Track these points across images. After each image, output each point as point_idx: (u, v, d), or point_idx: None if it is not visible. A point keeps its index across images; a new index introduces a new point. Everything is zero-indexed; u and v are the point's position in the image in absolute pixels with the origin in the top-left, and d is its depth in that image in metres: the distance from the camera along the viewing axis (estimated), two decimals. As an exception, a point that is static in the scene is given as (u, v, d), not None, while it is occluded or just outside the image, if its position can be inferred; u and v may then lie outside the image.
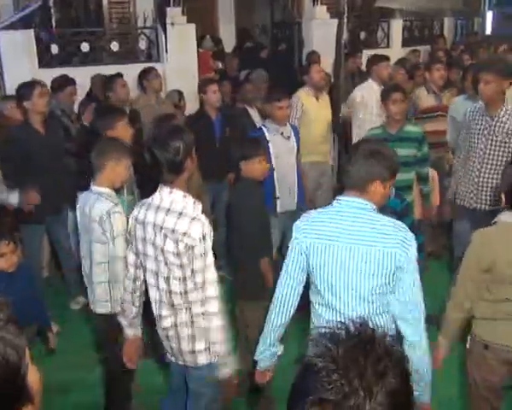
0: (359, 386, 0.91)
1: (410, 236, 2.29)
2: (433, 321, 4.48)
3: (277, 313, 2.51)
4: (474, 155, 4.14)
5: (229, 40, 9.85)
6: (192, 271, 2.51)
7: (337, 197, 2.38)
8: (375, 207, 2.33)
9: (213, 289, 2.56)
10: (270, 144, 4.43)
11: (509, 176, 2.65)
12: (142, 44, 7.73)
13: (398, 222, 2.34)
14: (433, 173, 4.93)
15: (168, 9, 7.30)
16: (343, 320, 1.02)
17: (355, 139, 5.60)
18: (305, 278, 2.45)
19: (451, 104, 5.30)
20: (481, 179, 4.09)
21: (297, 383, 1.00)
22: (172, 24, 7.23)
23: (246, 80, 6.26)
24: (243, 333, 3.61)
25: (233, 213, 3.63)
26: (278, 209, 4.57)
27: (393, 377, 0.94)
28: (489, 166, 4.04)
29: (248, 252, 3.48)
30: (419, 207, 4.58)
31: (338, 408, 0.91)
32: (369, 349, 0.96)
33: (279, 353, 2.63)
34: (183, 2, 7.67)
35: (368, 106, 5.57)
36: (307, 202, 4.80)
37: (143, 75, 5.87)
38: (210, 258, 2.54)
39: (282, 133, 4.55)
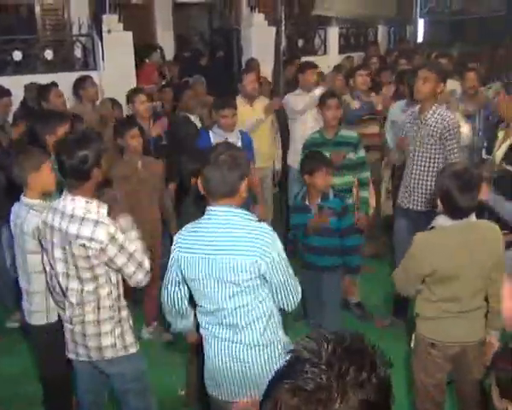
0: (335, 385, 0.94)
1: (270, 241, 2.28)
2: (370, 318, 4.63)
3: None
4: (409, 157, 4.27)
5: (167, 47, 9.76)
6: (117, 268, 2.65)
7: (208, 207, 2.35)
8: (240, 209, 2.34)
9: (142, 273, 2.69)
10: None
11: (442, 181, 2.70)
12: (78, 52, 7.54)
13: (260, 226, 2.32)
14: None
15: (104, 17, 7.16)
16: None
17: (292, 146, 5.66)
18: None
19: (391, 109, 5.44)
20: (412, 181, 4.20)
21: (280, 369, 1.02)
22: (109, 31, 7.09)
23: (185, 87, 6.20)
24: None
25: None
26: None
27: (372, 390, 0.96)
28: (419, 169, 4.15)
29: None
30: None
31: (308, 399, 0.93)
32: (356, 358, 0.98)
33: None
34: (119, 10, 7.55)
35: (297, 113, 5.53)
36: (260, 211, 4.68)
37: (79, 84, 5.71)
38: (132, 247, 2.65)
39: (226, 139, 4.52)
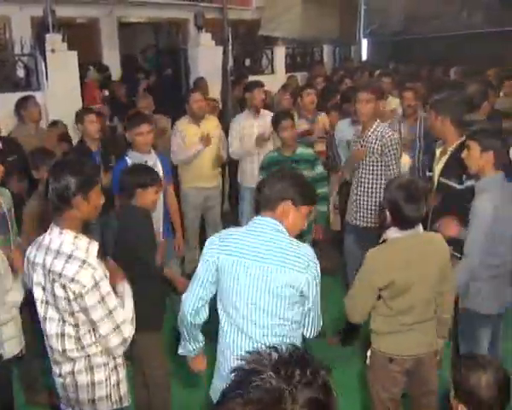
0: (285, 387, 0.98)
1: (315, 261, 2.37)
2: (322, 336, 4.66)
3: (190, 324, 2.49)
4: (354, 174, 4.37)
5: (114, 67, 9.64)
6: (92, 322, 2.33)
7: (254, 217, 2.43)
8: (285, 229, 2.37)
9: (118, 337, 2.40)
10: None
11: (389, 193, 2.77)
12: (20, 72, 7.33)
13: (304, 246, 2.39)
14: None
15: (48, 36, 7.00)
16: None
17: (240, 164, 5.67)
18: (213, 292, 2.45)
19: (337, 127, 5.53)
20: (358, 198, 4.30)
21: (227, 387, 1.04)
22: (53, 51, 6.93)
23: (130, 107, 6.13)
24: (138, 367, 3.45)
25: (125, 241, 3.43)
26: None
27: (319, 389, 1.02)
28: (363, 186, 4.26)
29: (141, 282, 3.34)
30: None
31: (261, 406, 0.97)
32: (299, 362, 1.04)
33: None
34: (63, 29, 7.40)
35: (245, 135, 5.52)
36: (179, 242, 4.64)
37: (21, 104, 5.56)
38: (112, 303, 2.35)
39: (145, 162, 4.28)
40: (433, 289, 2.81)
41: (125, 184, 3.48)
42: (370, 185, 4.19)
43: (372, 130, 4.18)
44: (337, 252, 5.61)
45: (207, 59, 8.50)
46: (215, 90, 7.37)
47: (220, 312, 2.44)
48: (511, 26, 9.34)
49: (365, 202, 4.25)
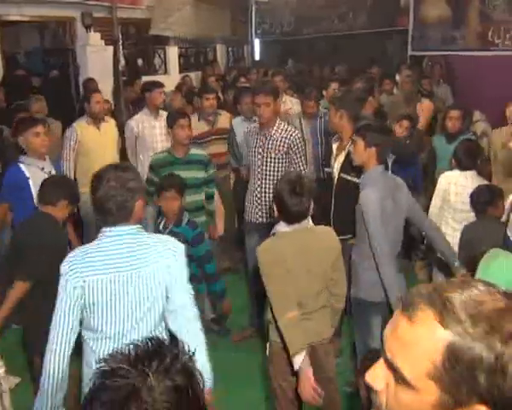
0: (140, 379, 1.01)
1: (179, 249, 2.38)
2: (228, 333, 4.69)
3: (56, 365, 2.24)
4: (254, 171, 4.41)
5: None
6: None
7: (103, 230, 2.32)
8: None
9: None
10: (30, 181, 4.03)
11: (277, 190, 2.83)
12: None
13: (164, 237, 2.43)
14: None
15: None
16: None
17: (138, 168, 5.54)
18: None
19: (232, 125, 5.56)
20: (263, 195, 4.35)
21: (90, 390, 1.05)
22: None
23: (16, 111, 5.78)
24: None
25: (28, 251, 3.24)
26: None
27: (177, 373, 1.04)
28: (268, 182, 4.31)
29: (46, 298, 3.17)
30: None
31: (118, 402, 0.99)
32: (157, 352, 1.06)
33: None
34: None
35: (146, 135, 5.44)
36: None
37: None
38: None
39: (42, 168, 4.15)
40: (323, 279, 2.89)
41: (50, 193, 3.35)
42: (274, 181, 4.23)
43: (275, 128, 4.24)
44: (238, 250, 5.67)
45: (97, 59, 8.22)
46: (106, 91, 7.14)
47: (87, 333, 2.34)
48: (392, 27, 9.91)
49: (269, 198, 4.30)
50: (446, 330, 0.88)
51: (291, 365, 2.88)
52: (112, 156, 5.31)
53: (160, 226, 3.84)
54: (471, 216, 4.08)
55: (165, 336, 2.37)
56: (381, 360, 0.99)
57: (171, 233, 3.65)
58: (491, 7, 8.39)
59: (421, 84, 7.60)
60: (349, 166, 3.88)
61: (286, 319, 2.74)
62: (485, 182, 4.26)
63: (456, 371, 0.87)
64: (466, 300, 0.90)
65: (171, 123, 4.39)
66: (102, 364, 1.04)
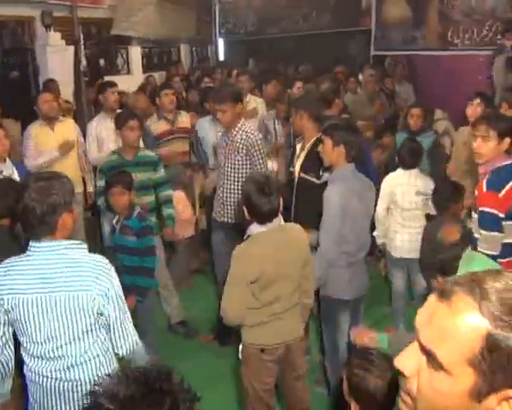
0: None
1: (107, 269, 2.23)
2: (195, 335, 4.66)
3: None
4: (219, 171, 4.42)
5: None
6: None
7: (30, 243, 2.21)
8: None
9: None
10: None
11: (244, 189, 2.83)
12: None
13: (94, 257, 2.25)
14: (180, 195, 5.12)
15: None
16: None
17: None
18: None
19: (198, 125, 5.52)
20: (224, 195, 4.35)
21: None
22: None
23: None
24: None
25: None
26: None
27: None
28: (229, 183, 4.31)
29: None
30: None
31: None
32: (154, 398, 1.00)
33: None
34: None
35: (104, 137, 5.32)
36: None
37: None
38: None
39: (1, 172, 4.05)
40: (297, 275, 2.92)
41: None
42: (236, 183, 4.23)
43: (237, 129, 4.24)
44: (205, 251, 5.64)
45: (57, 59, 8.04)
46: (67, 92, 7.01)
47: (22, 347, 2.29)
48: (355, 27, 10.02)
49: (231, 199, 4.30)
50: (485, 319, 0.91)
51: (268, 367, 2.89)
52: (73, 159, 5.22)
53: (114, 221, 3.92)
54: (419, 213, 4.25)
55: (104, 354, 2.30)
56: (413, 346, 1.00)
57: (122, 226, 3.80)
58: (450, 7, 8.57)
59: (384, 83, 7.72)
60: (308, 166, 3.91)
61: (228, 317, 2.84)
62: (428, 178, 4.37)
63: (494, 359, 0.90)
64: (503, 290, 0.93)
65: (119, 125, 4.33)
66: (92, 390, 1.01)
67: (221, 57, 12.00)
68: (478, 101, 4.72)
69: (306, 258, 2.96)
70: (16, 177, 4.04)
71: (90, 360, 2.25)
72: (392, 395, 1.99)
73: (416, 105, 5.46)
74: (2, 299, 2.15)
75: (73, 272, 2.15)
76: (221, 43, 12.09)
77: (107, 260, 2.25)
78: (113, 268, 2.26)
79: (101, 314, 2.22)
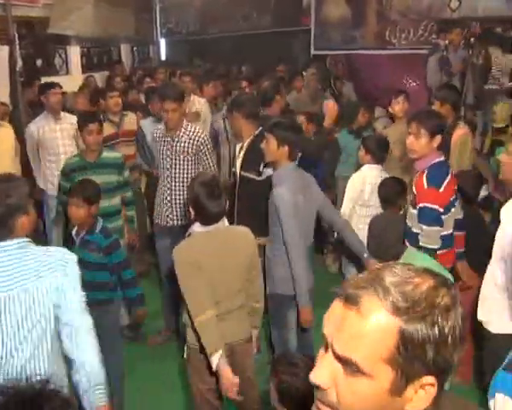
0: None
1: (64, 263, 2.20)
2: (142, 338, 4.60)
3: None
4: (164, 174, 4.36)
5: None
6: None
7: None
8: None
9: None
10: None
11: (192, 189, 2.81)
12: None
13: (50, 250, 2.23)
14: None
15: None
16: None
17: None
18: None
19: (142, 126, 5.44)
20: (173, 197, 4.31)
21: None
22: None
23: None
24: None
25: None
26: None
27: None
28: (178, 184, 4.28)
29: None
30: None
31: None
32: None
33: None
34: None
35: (47, 139, 5.21)
36: None
37: None
38: None
39: None
40: (240, 280, 2.90)
41: None
42: (184, 183, 4.20)
43: (183, 130, 4.22)
44: (148, 254, 5.59)
45: (-9, 60, 7.73)
46: (3, 94, 6.76)
47: None
48: (296, 27, 10.13)
49: (180, 201, 4.28)
50: (394, 315, 0.93)
51: (209, 367, 2.87)
52: (8, 163, 5.02)
53: (73, 232, 3.58)
54: (380, 209, 4.26)
55: (56, 355, 2.24)
56: (325, 358, 1.00)
57: (84, 241, 3.47)
58: (387, 8, 8.80)
59: (335, 84, 7.86)
60: (248, 164, 3.94)
61: (202, 318, 2.72)
62: (388, 175, 4.45)
63: (409, 351, 0.93)
64: (401, 283, 0.95)
65: (80, 127, 4.29)
66: None
67: (163, 57, 11.86)
68: (402, 98, 5.10)
69: (252, 261, 2.95)
70: None
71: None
72: None
73: (362, 105, 5.72)
74: None
75: (33, 267, 2.12)
76: (163, 42, 11.95)
77: (66, 251, 2.23)
78: (71, 261, 2.21)
79: (56, 305, 2.16)
